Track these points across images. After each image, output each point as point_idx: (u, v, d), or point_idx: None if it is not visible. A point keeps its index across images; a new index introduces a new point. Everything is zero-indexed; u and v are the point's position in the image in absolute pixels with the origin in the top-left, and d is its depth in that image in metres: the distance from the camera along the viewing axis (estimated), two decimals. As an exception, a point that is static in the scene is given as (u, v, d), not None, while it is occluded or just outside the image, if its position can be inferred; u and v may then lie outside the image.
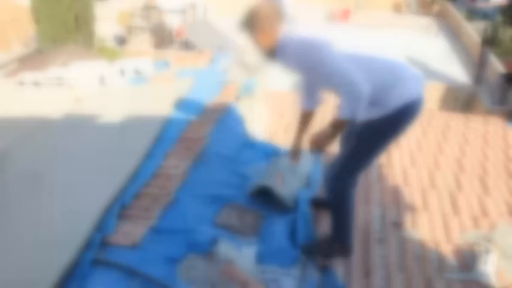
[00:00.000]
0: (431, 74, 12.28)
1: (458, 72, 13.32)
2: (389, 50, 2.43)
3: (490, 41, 12.55)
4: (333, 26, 15.54)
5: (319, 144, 2.39)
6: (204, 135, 3.45)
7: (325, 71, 2.18)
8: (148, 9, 16.40)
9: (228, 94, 4.24)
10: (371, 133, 2.36)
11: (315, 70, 2.23)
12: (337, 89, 2.20)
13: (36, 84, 4.88)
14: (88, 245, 2.32)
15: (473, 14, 19.67)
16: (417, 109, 2.30)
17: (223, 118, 3.84)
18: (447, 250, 2.89)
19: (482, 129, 5.44)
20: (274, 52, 2.30)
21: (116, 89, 4.61)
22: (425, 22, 18.34)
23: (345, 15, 16.36)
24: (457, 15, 18.51)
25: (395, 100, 2.23)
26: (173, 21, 16.35)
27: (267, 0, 2.30)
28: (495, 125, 5.59)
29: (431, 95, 10.53)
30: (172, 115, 3.76)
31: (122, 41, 15.35)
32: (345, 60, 2.17)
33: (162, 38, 15.66)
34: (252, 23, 2.26)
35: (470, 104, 10.76)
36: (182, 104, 3.92)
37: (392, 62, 2.32)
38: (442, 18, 19.59)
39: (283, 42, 2.24)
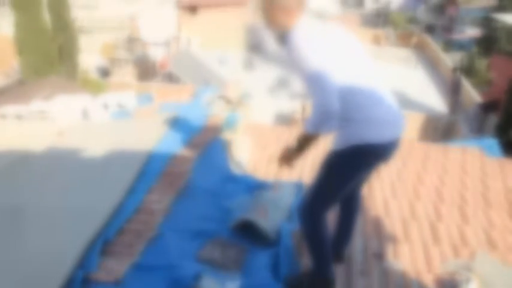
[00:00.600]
0: (410, 104, 12.57)
1: (437, 102, 13.64)
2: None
3: (461, 69, 12.95)
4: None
5: (286, 160, 2.42)
6: (187, 170, 3.48)
7: (309, 78, 2.14)
8: (132, 41, 16.55)
9: (211, 128, 4.29)
10: (329, 167, 2.37)
11: (301, 72, 2.18)
12: (312, 98, 2.15)
13: (19, 117, 4.87)
14: (70, 282, 2.30)
15: (450, 45, 20.26)
16: (377, 155, 2.29)
17: (206, 152, 3.87)
18: (428, 280, 2.92)
19: (460, 158, 5.55)
20: (283, 37, 2.27)
21: (99, 123, 4.62)
22: (404, 54, 18.80)
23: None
24: (434, 46, 19.05)
25: (354, 137, 2.22)
26: (157, 53, 16.53)
27: None
28: (472, 155, 5.71)
29: (411, 125, 10.74)
30: (155, 149, 3.77)
31: (105, 72, 15.41)
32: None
33: (146, 70, 15.78)
34: (269, 2, 2.25)
35: (449, 133, 10.98)
36: (165, 138, 3.94)
37: (373, 101, 2.24)
38: (420, 49, 20.13)
39: (295, 33, 2.19)
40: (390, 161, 2.45)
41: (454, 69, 12.66)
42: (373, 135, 2.21)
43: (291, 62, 2.23)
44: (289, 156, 2.39)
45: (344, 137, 2.26)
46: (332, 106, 2.07)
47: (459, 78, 12.17)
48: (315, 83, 2.11)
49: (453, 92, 12.04)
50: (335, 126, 2.17)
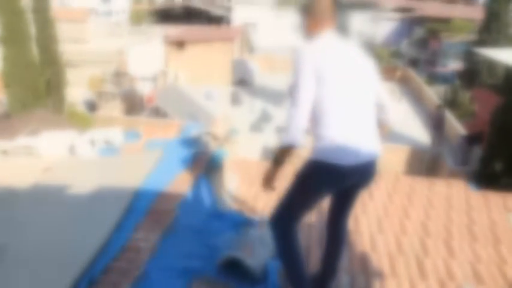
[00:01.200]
0: (395, 137, 12.73)
1: (422, 135, 13.84)
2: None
3: (445, 103, 13.18)
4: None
5: (267, 181, 2.47)
6: (174, 207, 3.47)
7: (293, 90, 2.31)
8: (119, 75, 16.63)
9: (197, 164, 4.30)
10: (298, 175, 2.46)
11: (294, 76, 2.35)
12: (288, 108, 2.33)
13: (4, 152, 4.85)
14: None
15: (433, 78, 20.66)
16: (339, 175, 2.35)
17: (192, 189, 3.87)
18: (415, 317, 2.92)
19: (445, 192, 5.61)
20: (307, 39, 2.48)
21: (86, 160, 4.61)
22: (389, 87, 19.13)
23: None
24: (418, 80, 19.45)
25: (319, 153, 2.34)
26: (144, 88, 16.64)
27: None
28: (458, 188, 5.78)
29: (397, 158, 10.86)
30: (142, 187, 3.77)
31: (92, 106, 15.42)
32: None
33: (133, 104, 15.82)
34: (308, 5, 2.51)
35: (435, 166, 11.09)
36: (152, 176, 3.94)
37: (343, 125, 2.33)
38: (404, 83, 20.53)
39: (311, 44, 2.41)
40: (365, 186, 2.53)
41: (439, 106, 12.88)
42: (333, 155, 2.32)
43: (293, 62, 2.40)
44: (269, 176, 2.46)
45: (314, 150, 2.38)
46: (300, 121, 2.28)
47: (443, 114, 12.39)
48: (294, 99, 2.30)
49: (436, 127, 12.23)
50: (303, 137, 2.30)
